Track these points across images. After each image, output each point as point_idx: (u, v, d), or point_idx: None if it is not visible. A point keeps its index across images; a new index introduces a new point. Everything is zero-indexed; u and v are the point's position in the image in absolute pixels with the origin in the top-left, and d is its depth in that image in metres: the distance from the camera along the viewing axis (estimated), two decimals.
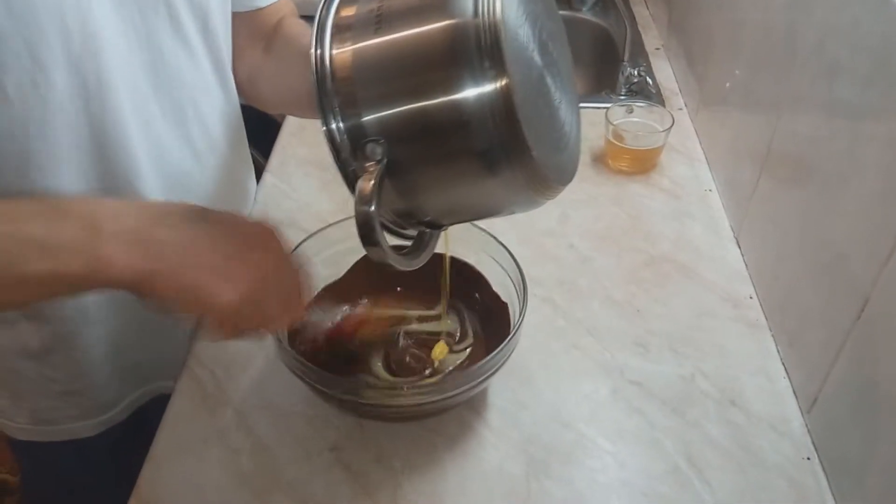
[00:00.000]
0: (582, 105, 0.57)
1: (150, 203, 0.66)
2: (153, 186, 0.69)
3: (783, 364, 0.77)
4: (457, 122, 0.44)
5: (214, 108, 0.76)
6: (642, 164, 1.04)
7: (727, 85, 1.03)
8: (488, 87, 0.43)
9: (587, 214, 0.97)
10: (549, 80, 0.50)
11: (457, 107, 0.44)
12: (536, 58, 0.49)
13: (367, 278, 0.75)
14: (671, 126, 1.02)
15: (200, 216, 0.52)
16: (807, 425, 0.71)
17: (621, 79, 1.22)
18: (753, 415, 0.72)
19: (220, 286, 0.50)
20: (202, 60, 0.71)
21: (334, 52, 0.47)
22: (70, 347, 0.73)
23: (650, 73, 1.26)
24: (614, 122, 1.03)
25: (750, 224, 0.90)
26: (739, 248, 0.92)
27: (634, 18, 1.44)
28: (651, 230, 0.95)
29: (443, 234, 0.59)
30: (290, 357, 0.64)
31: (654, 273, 0.89)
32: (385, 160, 0.46)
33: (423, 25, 0.45)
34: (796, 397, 0.74)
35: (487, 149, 0.45)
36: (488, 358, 0.62)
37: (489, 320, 0.75)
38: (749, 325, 0.82)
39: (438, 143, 0.46)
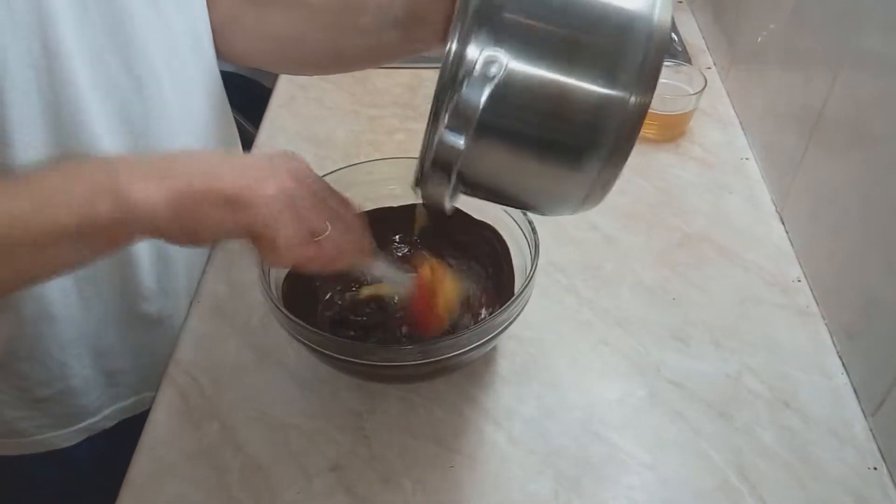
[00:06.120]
0: None
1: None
2: None
3: (840, 358, 0.68)
4: (585, 112, 0.42)
5: (190, 74, 0.68)
6: (671, 130, 0.94)
7: (759, 40, 0.92)
8: (635, 100, 0.41)
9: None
10: None
11: (594, 97, 0.41)
12: None
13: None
14: (704, 88, 0.92)
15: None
16: (871, 430, 0.63)
17: None
18: (810, 418, 0.64)
19: (254, 189, 0.46)
20: (174, 20, 0.64)
21: None
22: (36, 351, 0.66)
23: (674, 28, 1.15)
24: None
25: (796, 196, 0.80)
26: (783, 223, 0.82)
27: None
28: (683, 205, 0.85)
29: None
30: (277, 310, 0.58)
31: (689, 254, 0.79)
32: (493, 85, 0.41)
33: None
34: (857, 397, 0.65)
35: (590, 148, 0.43)
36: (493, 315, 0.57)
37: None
38: (799, 313, 0.73)
39: (552, 121, 0.43)
